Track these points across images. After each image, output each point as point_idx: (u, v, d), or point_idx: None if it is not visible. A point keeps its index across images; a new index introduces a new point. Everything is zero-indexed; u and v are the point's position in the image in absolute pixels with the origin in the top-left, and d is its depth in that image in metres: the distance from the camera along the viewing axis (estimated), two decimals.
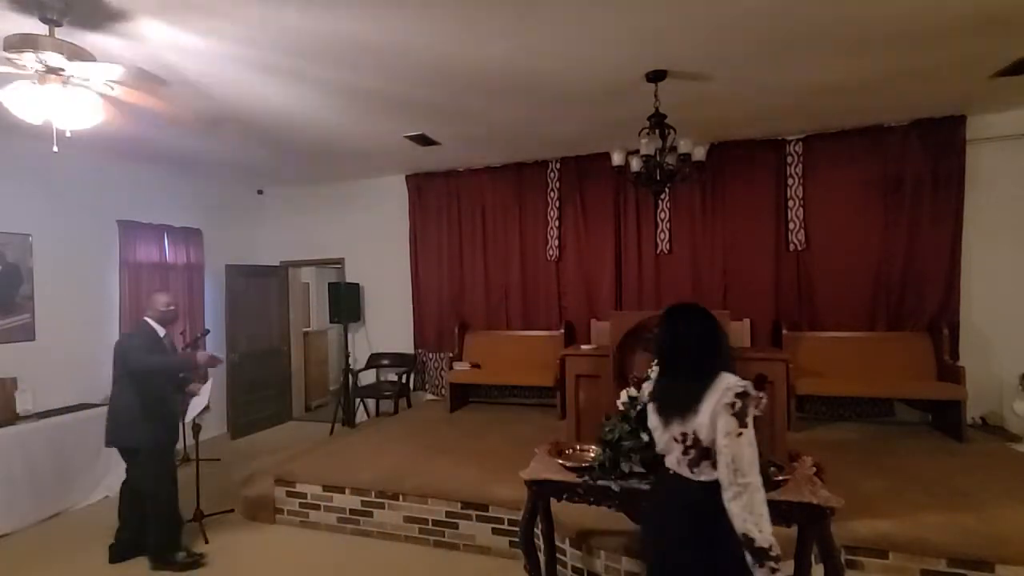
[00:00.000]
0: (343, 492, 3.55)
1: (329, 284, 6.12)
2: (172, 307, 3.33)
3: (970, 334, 4.40)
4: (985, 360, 4.31)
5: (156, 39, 2.69)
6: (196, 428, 3.69)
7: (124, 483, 3.29)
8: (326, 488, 3.60)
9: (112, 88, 2.52)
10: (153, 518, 3.14)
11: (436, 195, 5.88)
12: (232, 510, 3.80)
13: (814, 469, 2.22)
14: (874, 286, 4.59)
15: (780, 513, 2.02)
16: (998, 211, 4.33)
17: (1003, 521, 2.64)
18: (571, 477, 2.26)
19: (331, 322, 6.16)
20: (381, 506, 3.45)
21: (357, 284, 6.18)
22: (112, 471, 4.21)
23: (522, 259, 5.59)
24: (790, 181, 4.78)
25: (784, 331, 4.67)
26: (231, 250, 6.04)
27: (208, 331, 4.80)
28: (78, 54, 2.28)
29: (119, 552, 3.21)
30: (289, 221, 6.51)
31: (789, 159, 4.78)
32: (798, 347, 4.56)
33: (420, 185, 5.94)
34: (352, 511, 3.52)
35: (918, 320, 4.49)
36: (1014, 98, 3.94)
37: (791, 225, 4.78)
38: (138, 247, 5.02)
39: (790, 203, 4.78)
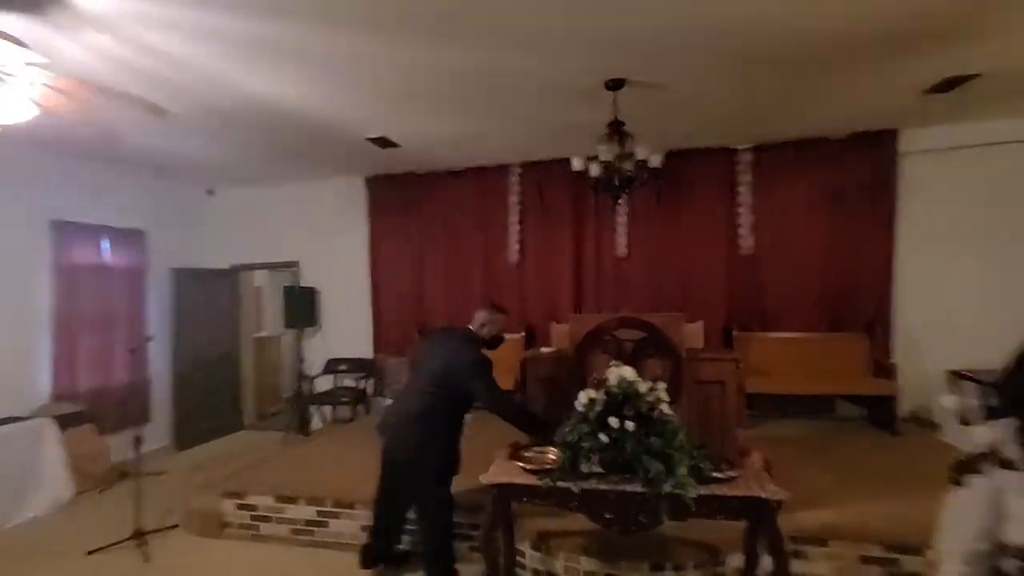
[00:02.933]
0: (297, 503, 3.44)
1: (284, 288, 5.94)
2: (501, 331, 2.94)
3: (902, 334, 4.70)
4: (915, 358, 4.61)
5: (94, 27, 2.55)
6: (137, 440, 3.50)
7: (386, 489, 2.92)
8: (279, 499, 3.47)
9: (46, 80, 2.37)
10: (432, 550, 2.80)
11: (396, 198, 5.81)
12: (176, 526, 3.62)
13: (763, 465, 2.32)
14: (817, 289, 4.84)
15: (731, 508, 2.11)
16: (928, 219, 4.65)
17: (934, 508, 2.82)
18: (532, 480, 2.26)
19: (286, 327, 5.97)
20: (337, 516, 3.36)
21: (313, 288, 6.01)
22: (41, 490, 3.93)
23: (483, 263, 5.59)
24: (740, 189, 4.99)
25: (735, 332, 4.85)
26: (178, 253, 5.76)
27: (151, 338, 4.57)
28: (9, 42, 2.13)
29: (372, 557, 2.96)
30: (241, 223, 6.27)
31: (739, 167, 4.99)
32: (748, 347, 4.75)
33: (380, 187, 5.86)
34: (307, 522, 3.41)
35: (856, 321, 4.76)
36: (943, 114, 4.23)
37: (741, 231, 4.99)
38: (74, 249, 4.72)
39: (740, 210, 4.99)
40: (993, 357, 4.72)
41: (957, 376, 4.46)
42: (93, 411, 4.69)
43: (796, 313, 4.88)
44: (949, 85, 3.61)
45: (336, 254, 6.02)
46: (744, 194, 4.98)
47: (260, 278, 7.28)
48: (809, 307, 4.87)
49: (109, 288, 4.97)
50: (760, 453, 2.41)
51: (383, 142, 4.59)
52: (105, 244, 4.98)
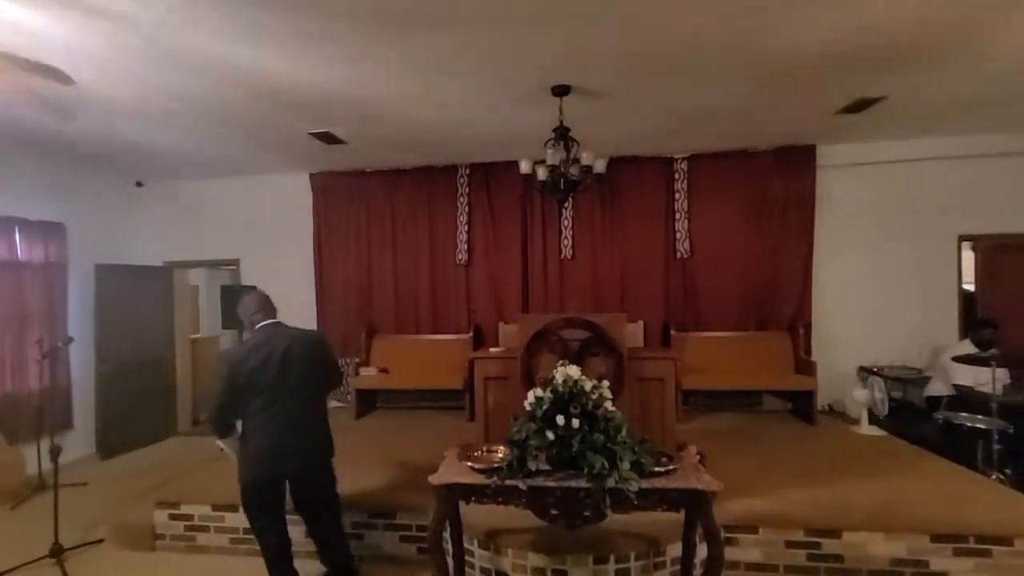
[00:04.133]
0: (236, 511, 3.30)
1: (222, 287, 5.68)
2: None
3: (820, 333, 5.12)
4: (832, 355, 5.03)
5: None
6: (56, 450, 3.26)
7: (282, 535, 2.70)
8: (216, 507, 3.34)
9: None
10: (349, 557, 2.81)
11: (343, 195, 5.70)
12: (102, 540, 3.40)
13: (698, 457, 2.47)
14: (745, 291, 5.18)
15: (670, 500, 2.24)
16: (841, 228, 5.10)
17: (847, 494, 3.11)
18: (480, 479, 2.30)
19: (224, 328, 5.71)
20: None
21: (254, 287, 5.76)
22: None
23: (431, 263, 5.59)
24: (677, 195, 5.25)
25: (672, 332, 5.10)
26: (103, 248, 5.40)
27: (71, 339, 4.27)
28: None
29: None
30: (175, 217, 5.95)
31: (676, 175, 5.25)
32: (684, 346, 5.01)
33: (326, 184, 5.72)
34: (246, 530, 3.27)
35: (780, 321, 5.13)
36: (854, 132, 4.66)
37: (678, 235, 5.25)
38: None
39: (677, 215, 5.25)
40: (896, 354, 5.27)
41: (866, 371, 4.91)
42: (3, 419, 4.33)
43: (727, 314, 5.20)
44: (860, 106, 3.97)
45: (279, 252, 5.82)
46: (681, 201, 5.24)
47: (197, 276, 6.94)
48: (738, 308, 5.20)
49: (22, 286, 4.58)
50: (695, 446, 2.57)
51: (328, 138, 4.50)
52: (17, 237, 4.59)
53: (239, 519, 3.30)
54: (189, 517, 3.36)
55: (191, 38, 2.74)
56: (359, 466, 3.76)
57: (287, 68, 3.14)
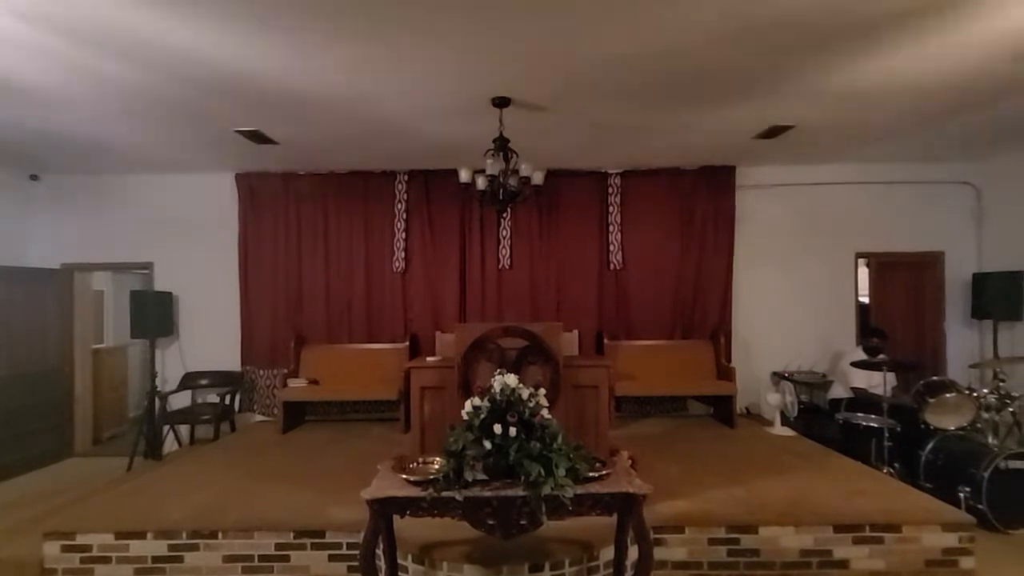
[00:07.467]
0: (143, 537, 3.04)
1: (132, 293, 5.21)
2: None
3: (738, 341, 5.48)
4: (748, 362, 5.40)
5: None
6: None
7: None
8: (119, 535, 3.04)
9: None
10: None
11: (272, 198, 5.45)
12: None
13: (630, 462, 2.55)
14: (672, 301, 5.46)
15: (604, 504, 2.30)
16: (757, 244, 5.51)
17: (763, 491, 3.34)
18: (415, 491, 2.26)
19: (133, 337, 5.24)
20: (195, 548, 3.03)
21: (169, 293, 5.37)
22: None
23: (367, 270, 5.45)
24: (610, 209, 5.46)
25: (606, 340, 5.27)
26: None
27: None
28: None
29: None
30: (77, 216, 5.42)
31: (610, 190, 5.46)
32: (616, 354, 5.19)
33: (253, 185, 5.44)
34: (156, 559, 3.03)
35: (703, 330, 5.44)
36: (768, 156, 5.06)
37: (611, 248, 5.45)
38: None
39: (610, 228, 5.45)
40: (803, 360, 5.73)
41: (778, 376, 5.31)
42: None
43: (655, 323, 5.45)
44: (772, 132, 4.33)
45: (199, 255, 5.46)
46: (614, 214, 5.45)
47: (101, 280, 6.35)
48: (666, 317, 5.47)
49: None
50: (627, 451, 2.66)
51: (258, 137, 4.29)
52: None
53: (146, 547, 3.04)
54: (86, 548, 3.03)
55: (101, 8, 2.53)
56: (284, 483, 3.59)
57: (217, 53, 2.97)
